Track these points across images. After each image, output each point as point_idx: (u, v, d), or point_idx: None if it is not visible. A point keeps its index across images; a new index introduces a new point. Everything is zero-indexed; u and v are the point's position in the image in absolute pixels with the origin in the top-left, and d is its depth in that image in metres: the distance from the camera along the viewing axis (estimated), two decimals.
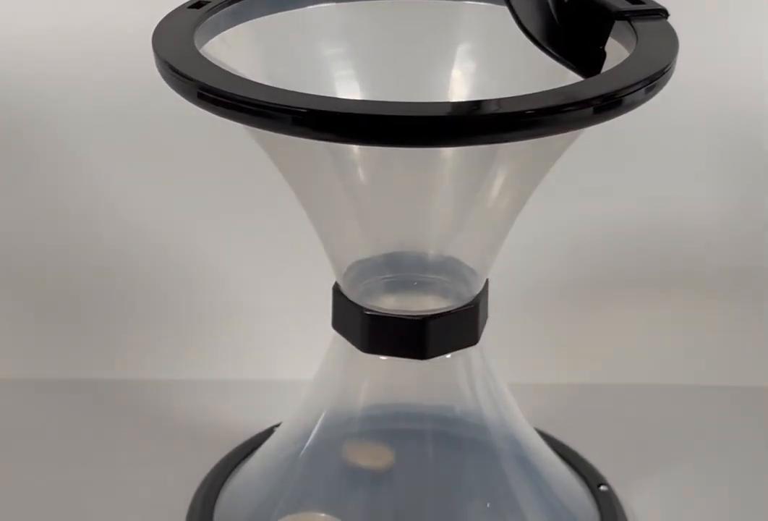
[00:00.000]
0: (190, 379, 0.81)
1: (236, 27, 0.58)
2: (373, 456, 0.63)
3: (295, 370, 0.73)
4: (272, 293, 0.81)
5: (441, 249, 0.60)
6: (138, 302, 0.82)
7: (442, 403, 0.63)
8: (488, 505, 0.63)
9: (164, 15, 0.56)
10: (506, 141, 0.47)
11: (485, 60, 0.62)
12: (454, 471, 0.62)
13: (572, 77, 0.54)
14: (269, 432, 0.71)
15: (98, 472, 0.72)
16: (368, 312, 0.59)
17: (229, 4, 0.58)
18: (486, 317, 0.62)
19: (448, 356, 0.60)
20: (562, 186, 0.74)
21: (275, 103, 0.47)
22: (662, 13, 0.55)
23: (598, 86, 0.48)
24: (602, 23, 0.53)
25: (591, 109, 0.47)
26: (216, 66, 0.51)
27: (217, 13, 0.58)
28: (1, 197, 0.80)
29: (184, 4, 0.58)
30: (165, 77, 0.51)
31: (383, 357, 0.60)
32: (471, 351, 0.61)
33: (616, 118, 0.48)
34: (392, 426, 0.64)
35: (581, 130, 0.50)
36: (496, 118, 0.46)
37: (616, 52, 0.53)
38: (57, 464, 0.73)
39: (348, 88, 0.61)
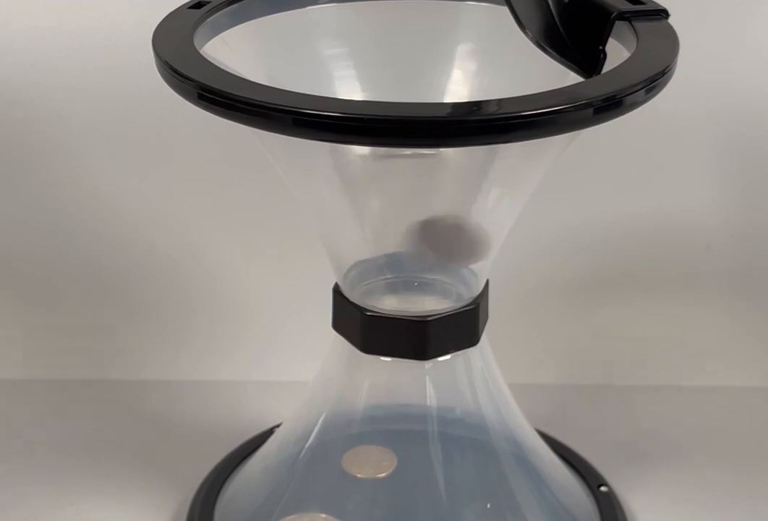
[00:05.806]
0: (189, 379, 0.81)
1: (236, 27, 0.58)
2: (373, 468, 0.63)
3: (295, 371, 0.73)
4: (273, 293, 0.81)
5: None
6: (139, 302, 0.81)
7: (443, 404, 0.63)
8: (488, 506, 0.63)
9: (164, 15, 0.56)
10: (506, 142, 0.48)
11: (485, 60, 0.62)
12: (454, 472, 0.62)
13: (572, 78, 0.54)
14: (269, 432, 0.71)
15: (98, 472, 0.72)
16: (368, 313, 0.59)
17: (229, 4, 0.58)
18: (486, 317, 0.62)
19: (449, 356, 0.60)
20: (562, 186, 0.74)
21: (275, 104, 0.47)
22: (663, 13, 0.55)
23: (598, 87, 0.48)
24: (602, 23, 0.53)
25: (591, 110, 0.47)
26: (216, 66, 0.51)
27: (217, 14, 0.58)
28: (1, 197, 0.80)
29: (184, 5, 0.58)
30: (165, 78, 0.51)
31: (384, 358, 0.60)
32: (471, 352, 0.61)
33: (616, 119, 0.49)
34: (392, 427, 0.64)
35: (581, 131, 0.50)
36: (497, 119, 0.46)
37: (616, 52, 0.53)
38: (56, 464, 0.73)
39: (348, 88, 0.61)
